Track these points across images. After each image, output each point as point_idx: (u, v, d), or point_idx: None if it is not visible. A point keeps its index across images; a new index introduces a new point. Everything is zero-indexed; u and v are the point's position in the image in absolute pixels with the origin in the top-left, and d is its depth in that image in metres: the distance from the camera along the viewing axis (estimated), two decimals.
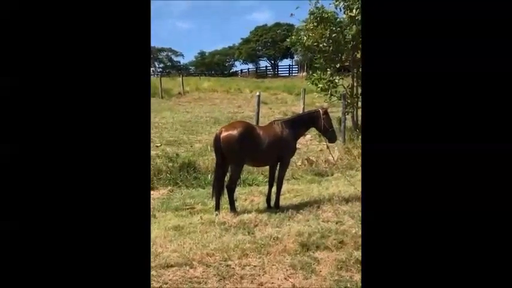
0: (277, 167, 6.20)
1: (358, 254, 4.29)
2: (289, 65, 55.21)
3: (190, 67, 67.03)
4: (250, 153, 5.73)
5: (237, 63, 65.09)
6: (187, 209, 6.20)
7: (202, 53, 65.47)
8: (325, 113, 6.28)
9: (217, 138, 5.69)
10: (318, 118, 6.25)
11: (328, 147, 7.34)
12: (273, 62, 59.35)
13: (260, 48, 58.54)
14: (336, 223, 5.28)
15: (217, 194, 5.81)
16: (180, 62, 67.92)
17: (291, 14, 12.14)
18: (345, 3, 11.89)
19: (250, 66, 61.32)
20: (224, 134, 5.60)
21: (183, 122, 14.71)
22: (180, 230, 5.02)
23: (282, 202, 6.37)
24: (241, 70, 61.97)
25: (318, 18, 11.89)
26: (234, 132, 5.57)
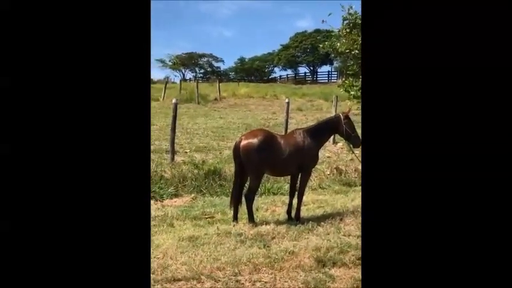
0: (299, 177, 6.01)
1: None
2: (328, 72, 54.75)
3: (230, 73, 67.43)
4: (270, 162, 5.56)
5: (276, 69, 65.10)
6: (207, 218, 6.08)
7: (242, 59, 65.77)
8: (346, 117, 6.04)
9: (236, 147, 5.56)
10: (339, 124, 6.02)
11: (353, 152, 7.11)
12: (312, 68, 59.03)
13: (299, 54, 58.37)
14: (357, 237, 5.02)
15: (236, 204, 5.68)
16: (220, 68, 68.44)
17: (323, 21, 11.72)
18: None
19: (290, 72, 61.25)
20: (243, 142, 5.46)
21: (215, 128, 14.69)
22: (194, 241, 4.89)
23: (304, 213, 6.17)
24: (280, 76, 61.92)
25: (351, 24, 11.63)
26: (254, 141, 5.42)
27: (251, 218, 5.62)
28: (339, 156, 10.38)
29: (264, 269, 4.14)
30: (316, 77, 55.30)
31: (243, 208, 5.76)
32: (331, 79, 50.66)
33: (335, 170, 9.08)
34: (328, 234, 5.18)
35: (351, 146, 6.39)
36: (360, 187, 8.28)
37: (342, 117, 6.05)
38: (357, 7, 13.13)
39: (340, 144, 11.25)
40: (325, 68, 60.75)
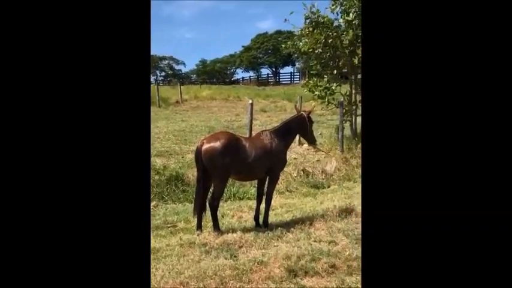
0: (266, 181, 5.72)
1: (350, 280, 3.83)
2: (291, 73, 54.91)
3: (192, 75, 66.59)
4: (235, 167, 5.24)
5: (238, 71, 64.71)
6: (169, 227, 5.73)
7: (203, 61, 65.04)
8: (309, 115, 5.94)
9: (198, 151, 5.21)
10: (303, 122, 5.87)
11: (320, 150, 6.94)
12: (274, 69, 59.03)
13: (261, 55, 58.24)
14: (329, 243, 4.79)
15: (199, 212, 5.34)
16: (181, 71, 67.36)
17: (285, 20, 11.46)
18: (342, 8, 11.45)
19: (252, 74, 61.04)
20: (205, 146, 5.12)
21: (177, 132, 14.22)
22: (155, 253, 4.55)
23: (272, 219, 5.91)
24: (243, 78, 61.62)
25: (314, 23, 11.45)
26: (217, 144, 5.10)
27: (216, 226, 5.30)
28: (305, 157, 10.17)
29: (232, 282, 3.84)
30: (279, 78, 55.31)
31: (207, 215, 5.45)
32: (293, 80, 50.78)
33: (302, 172, 8.86)
34: (298, 240, 4.93)
35: (308, 143, 6.39)
36: (328, 189, 8.12)
37: (305, 115, 5.88)
38: (319, 5, 13.03)
39: (306, 145, 11.04)
40: (288, 69, 61.17)
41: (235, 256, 4.44)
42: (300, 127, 5.92)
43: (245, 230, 5.43)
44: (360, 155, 9.66)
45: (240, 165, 5.26)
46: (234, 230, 5.34)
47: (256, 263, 4.19)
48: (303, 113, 5.98)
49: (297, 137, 8.91)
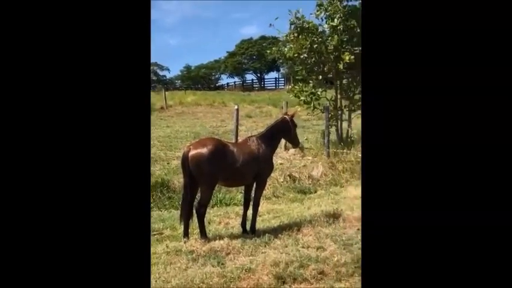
0: (253, 187, 5.69)
1: (339, 286, 3.81)
2: (276, 78, 55.06)
3: (176, 81, 66.29)
4: (223, 173, 5.20)
5: (223, 76, 64.67)
6: (155, 235, 5.64)
7: (188, 67, 64.84)
8: (292, 118, 5.94)
9: (185, 157, 5.15)
10: (287, 125, 5.87)
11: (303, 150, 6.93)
12: (259, 75, 59.15)
13: (246, 61, 58.33)
14: (317, 249, 4.76)
15: (186, 219, 5.26)
16: (165, 76, 67.05)
17: (270, 25, 11.50)
18: (327, 13, 11.50)
19: (237, 79, 61.05)
20: (192, 152, 5.07)
21: (162, 138, 14.09)
22: None
23: (259, 225, 5.86)
24: (228, 84, 61.62)
25: (299, 29, 11.47)
26: (204, 150, 5.04)
27: (203, 233, 5.23)
28: (291, 162, 10.13)
29: None
30: (264, 84, 55.45)
31: (194, 222, 5.37)
32: (278, 85, 50.95)
33: (288, 177, 8.84)
34: (286, 246, 4.89)
35: (292, 146, 6.45)
36: (315, 194, 8.10)
37: (288, 118, 5.89)
38: (304, 11, 13.05)
39: (292, 151, 11.02)
40: (272, 75, 61.16)
41: (222, 263, 4.39)
42: (283, 130, 5.90)
43: (232, 236, 5.38)
44: (346, 160, 9.68)
45: (227, 171, 5.22)
46: (221, 237, 5.28)
47: (244, 270, 4.14)
48: (286, 116, 5.99)
49: (283, 142, 8.92)
